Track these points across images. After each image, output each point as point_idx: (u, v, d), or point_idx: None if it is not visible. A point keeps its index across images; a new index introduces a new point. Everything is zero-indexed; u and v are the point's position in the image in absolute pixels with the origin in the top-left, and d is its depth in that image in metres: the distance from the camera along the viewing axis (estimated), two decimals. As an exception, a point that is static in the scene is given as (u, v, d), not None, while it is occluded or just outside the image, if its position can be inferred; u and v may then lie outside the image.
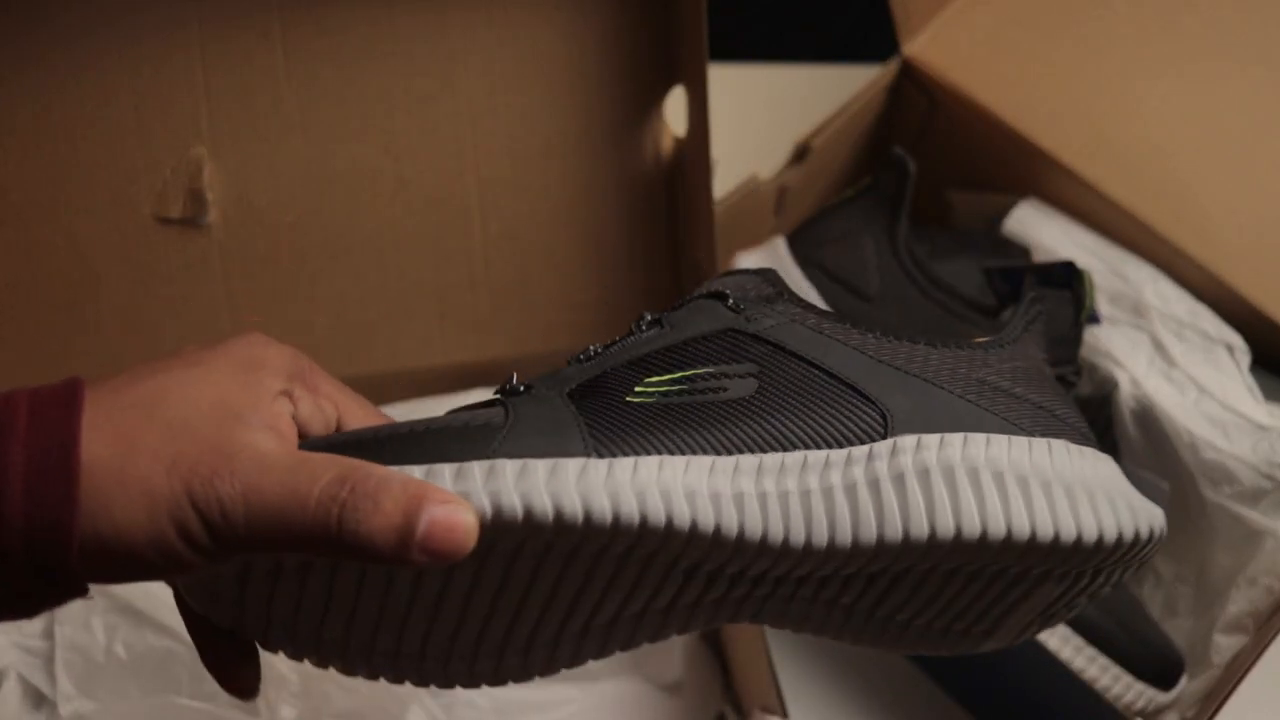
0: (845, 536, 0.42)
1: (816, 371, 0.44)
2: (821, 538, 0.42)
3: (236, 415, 0.38)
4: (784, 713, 0.64)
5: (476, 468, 0.39)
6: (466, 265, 0.68)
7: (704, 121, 0.63)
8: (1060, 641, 0.68)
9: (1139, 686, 0.68)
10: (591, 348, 0.45)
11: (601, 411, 0.42)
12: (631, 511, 0.40)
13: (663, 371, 0.44)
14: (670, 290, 0.70)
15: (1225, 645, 0.71)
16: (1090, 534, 0.43)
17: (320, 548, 0.37)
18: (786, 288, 0.47)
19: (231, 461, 0.37)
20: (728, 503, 0.41)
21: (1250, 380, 0.73)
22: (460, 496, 0.38)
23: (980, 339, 0.48)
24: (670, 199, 0.69)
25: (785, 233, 0.76)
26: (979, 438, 0.43)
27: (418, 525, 0.37)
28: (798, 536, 0.42)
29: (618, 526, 0.40)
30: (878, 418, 0.44)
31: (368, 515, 0.37)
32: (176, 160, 0.64)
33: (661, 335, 0.45)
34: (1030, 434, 0.44)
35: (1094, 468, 0.45)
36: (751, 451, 0.42)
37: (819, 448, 0.43)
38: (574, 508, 0.39)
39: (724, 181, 0.74)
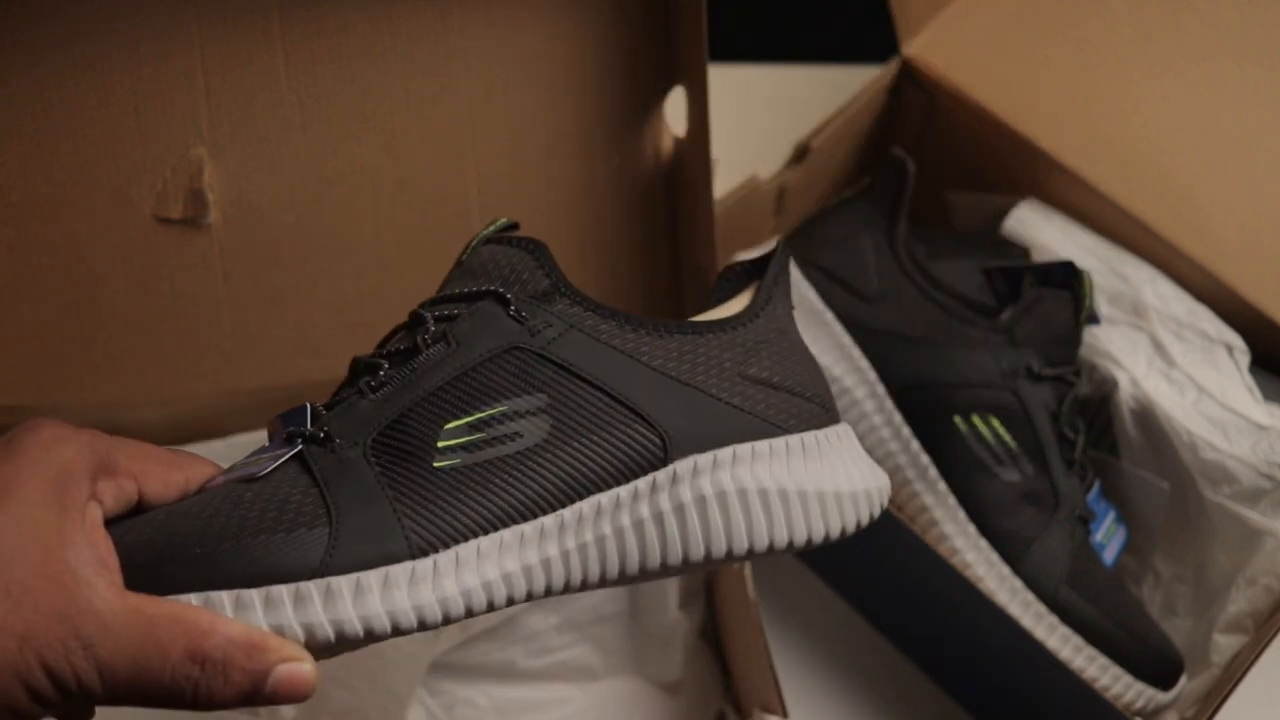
0: (634, 568, 0.48)
1: (601, 396, 0.48)
2: (614, 572, 0.48)
3: (66, 564, 0.41)
4: (784, 713, 0.64)
5: (314, 591, 0.43)
6: (466, 265, 0.68)
7: (704, 122, 0.63)
8: (1060, 641, 0.68)
9: (1139, 686, 0.68)
10: (381, 368, 0.48)
11: (412, 485, 0.46)
12: (459, 609, 0.45)
13: (459, 413, 0.47)
14: (670, 291, 0.70)
15: (1224, 645, 0.71)
16: (835, 530, 0.50)
17: (174, 707, 0.42)
18: (557, 272, 0.50)
19: (80, 630, 0.40)
20: (538, 572, 0.47)
21: (1249, 380, 0.73)
22: (300, 645, 0.43)
23: (734, 312, 0.52)
24: (670, 199, 0.69)
25: (785, 233, 0.76)
26: (745, 450, 0.49)
27: (265, 687, 0.42)
28: (594, 577, 0.48)
29: (448, 619, 0.45)
30: (658, 442, 0.49)
31: (220, 689, 0.41)
32: (177, 160, 0.64)
33: (449, 357, 0.48)
34: (787, 431, 0.50)
35: (839, 458, 0.51)
36: (553, 508, 0.47)
37: (609, 486, 0.48)
38: (409, 620, 0.44)
39: (724, 182, 0.74)
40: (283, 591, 0.43)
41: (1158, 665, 0.69)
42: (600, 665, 0.74)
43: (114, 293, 0.65)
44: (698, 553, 0.48)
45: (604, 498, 0.48)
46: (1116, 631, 0.68)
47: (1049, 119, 0.78)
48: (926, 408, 0.70)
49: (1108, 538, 0.72)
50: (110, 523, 0.44)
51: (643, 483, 0.48)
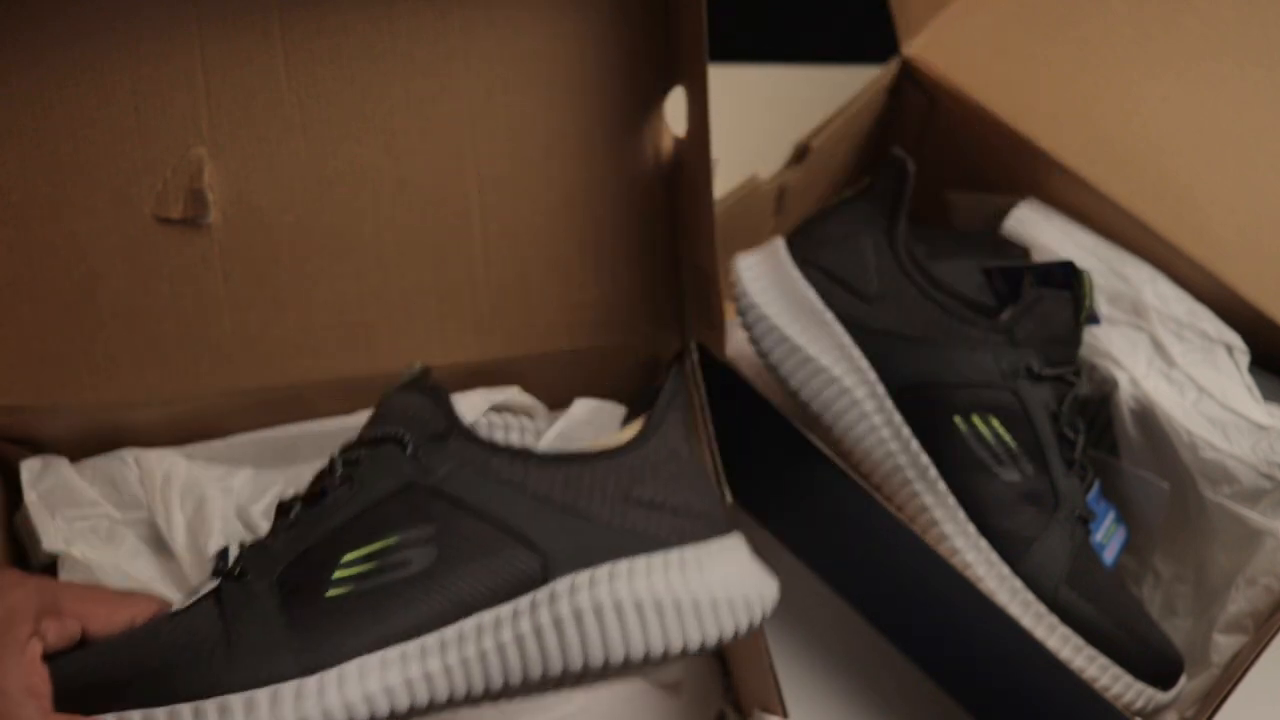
0: (517, 680, 0.52)
1: (485, 525, 0.53)
2: (498, 684, 0.52)
3: (2, 689, 0.48)
4: (784, 713, 0.64)
5: (211, 708, 0.49)
6: (466, 265, 0.68)
7: (704, 122, 0.63)
8: (1060, 641, 0.68)
9: (1138, 686, 0.68)
10: (294, 508, 0.55)
11: (307, 613, 0.51)
12: None
13: (357, 544, 0.52)
14: (670, 290, 0.71)
15: (1224, 645, 0.71)
16: (712, 637, 0.53)
17: None
18: (454, 414, 0.56)
19: None
20: (420, 685, 0.51)
21: (1249, 380, 0.73)
22: None
23: (627, 438, 0.57)
24: (671, 199, 0.69)
25: (785, 233, 0.76)
26: (623, 567, 0.53)
27: None
28: (478, 689, 0.52)
29: None
30: (538, 563, 0.53)
31: None
32: (177, 160, 0.64)
33: (353, 497, 0.54)
34: (667, 546, 0.54)
35: (720, 568, 0.55)
36: (435, 628, 0.51)
37: (490, 605, 0.52)
38: None
39: (724, 182, 0.74)
40: (185, 709, 0.49)
41: (1158, 665, 0.69)
42: (600, 665, 0.74)
43: (114, 292, 0.65)
44: (577, 663, 0.52)
45: (486, 616, 0.52)
46: (1116, 631, 0.69)
47: (1049, 119, 0.78)
48: (926, 408, 0.70)
49: (1107, 538, 0.72)
50: (52, 656, 0.50)
51: (523, 601, 0.52)
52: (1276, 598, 0.71)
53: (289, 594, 0.51)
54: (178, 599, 0.61)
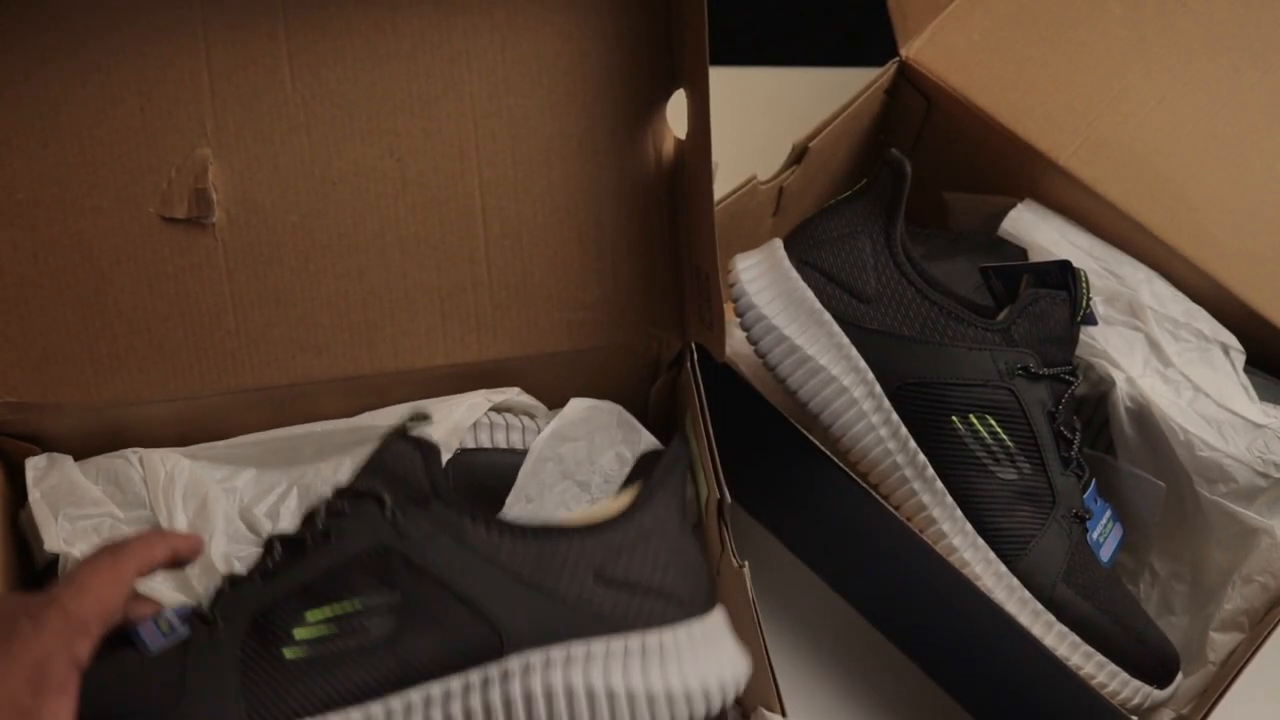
0: None
1: (449, 596, 0.53)
2: None
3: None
4: (783, 712, 0.65)
5: None
6: (469, 266, 0.68)
7: (705, 124, 0.64)
8: (1057, 639, 0.68)
9: (1135, 683, 0.69)
10: (275, 552, 0.55)
11: (261, 669, 0.52)
12: None
13: (322, 602, 0.53)
14: (671, 290, 0.71)
15: (1220, 643, 0.72)
16: None
17: None
18: (440, 475, 0.55)
19: None
20: None
21: (1245, 380, 0.73)
22: None
23: (616, 510, 0.56)
24: (672, 201, 0.70)
25: (783, 234, 0.76)
26: (579, 651, 0.52)
27: None
28: None
29: None
30: (495, 638, 0.52)
31: None
32: (182, 160, 0.64)
33: (327, 552, 0.54)
34: (630, 631, 0.53)
35: (684, 656, 0.53)
36: (384, 694, 0.52)
37: (442, 675, 0.52)
38: None
39: (723, 183, 0.75)
40: None
41: (1154, 663, 0.69)
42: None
43: (119, 292, 0.65)
44: None
45: (435, 688, 0.52)
46: (1113, 629, 0.69)
47: (1046, 120, 0.78)
48: (924, 407, 0.71)
49: (1104, 536, 0.72)
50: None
51: (475, 675, 0.52)
52: (1272, 595, 0.71)
53: (252, 647, 0.52)
54: (178, 600, 0.61)
